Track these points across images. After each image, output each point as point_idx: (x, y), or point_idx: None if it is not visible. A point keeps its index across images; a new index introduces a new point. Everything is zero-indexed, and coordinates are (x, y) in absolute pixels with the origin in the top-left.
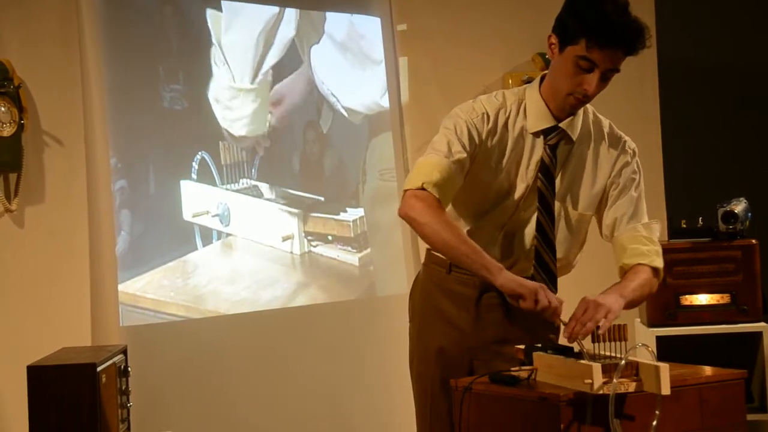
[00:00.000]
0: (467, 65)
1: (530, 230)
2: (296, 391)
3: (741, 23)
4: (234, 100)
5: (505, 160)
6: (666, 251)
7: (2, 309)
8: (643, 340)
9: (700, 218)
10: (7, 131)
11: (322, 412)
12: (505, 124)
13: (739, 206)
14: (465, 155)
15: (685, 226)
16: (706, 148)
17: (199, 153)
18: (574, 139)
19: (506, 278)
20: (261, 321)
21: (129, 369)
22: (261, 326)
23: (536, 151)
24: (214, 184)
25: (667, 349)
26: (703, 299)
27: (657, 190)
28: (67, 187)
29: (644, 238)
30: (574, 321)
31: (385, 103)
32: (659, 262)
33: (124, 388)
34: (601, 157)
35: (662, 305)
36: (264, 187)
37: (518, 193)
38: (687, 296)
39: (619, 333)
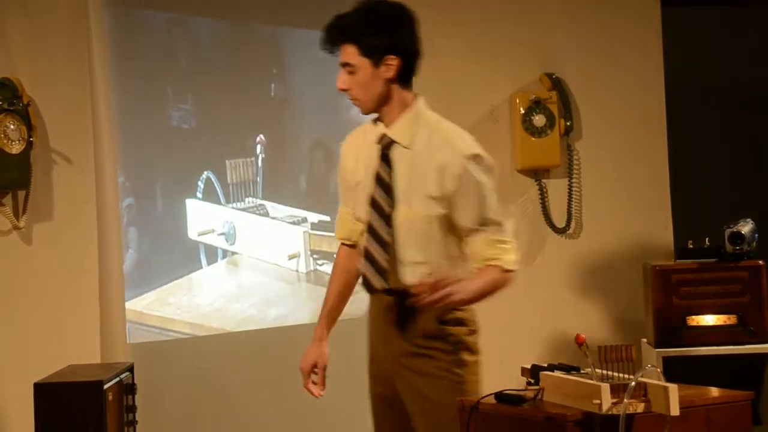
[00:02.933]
0: (475, 85)
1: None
2: (302, 409)
3: (749, 41)
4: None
5: (363, 173)
6: (672, 271)
7: (10, 326)
8: (649, 361)
9: (707, 239)
10: (16, 149)
11: (328, 430)
12: (363, 140)
13: (746, 227)
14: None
15: (691, 246)
16: (713, 168)
17: (205, 173)
18: (403, 144)
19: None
20: (267, 339)
21: (135, 386)
22: (267, 344)
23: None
24: (219, 203)
25: (673, 370)
26: (710, 320)
27: (664, 210)
28: (76, 204)
29: (493, 241)
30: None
31: None
32: (508, 261)
33: (130, 405)
34: (438, 161)
35: (669, 326)
36: (270, 205)
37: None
38: (694, 317)
39: (626, 354)
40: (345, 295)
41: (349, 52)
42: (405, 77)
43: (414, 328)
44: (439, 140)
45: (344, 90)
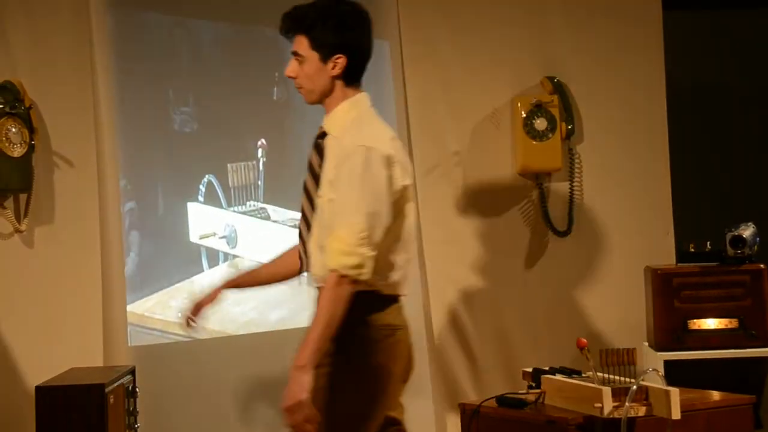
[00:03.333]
0: (476, 89)
1: None
2: None
3: (750, 45)
4: None
5: None
6: (674, 275)
7: (12, 329)
8: (650, 365)
9: (709, 242)
10: (18, 152)
11: None
12: None
13: (748, 231)
14: None
15: (693, 250)
16: (715, 172)
17: (206, 176)
18: (333, 134)
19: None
20: (268, 342)
21: (137, 389)
22: (268, 347)
23: None
24: (220, 206)
25: (674, 374)
26: (711, 324)
27: (665, 213)
28: (77, 207)
29: (329, 244)
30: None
31: (394, 125)
32: (336, 263)
33: (132, 408)
34: (329, 152)
35: (670, 329)
36: (271, 209)
37: None
38: (695, 320)
39: (627, 357)
40: (274, 273)
41: (301, 43)
42: (351, 76)
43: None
44: (351, 130)
45: (291, 77)
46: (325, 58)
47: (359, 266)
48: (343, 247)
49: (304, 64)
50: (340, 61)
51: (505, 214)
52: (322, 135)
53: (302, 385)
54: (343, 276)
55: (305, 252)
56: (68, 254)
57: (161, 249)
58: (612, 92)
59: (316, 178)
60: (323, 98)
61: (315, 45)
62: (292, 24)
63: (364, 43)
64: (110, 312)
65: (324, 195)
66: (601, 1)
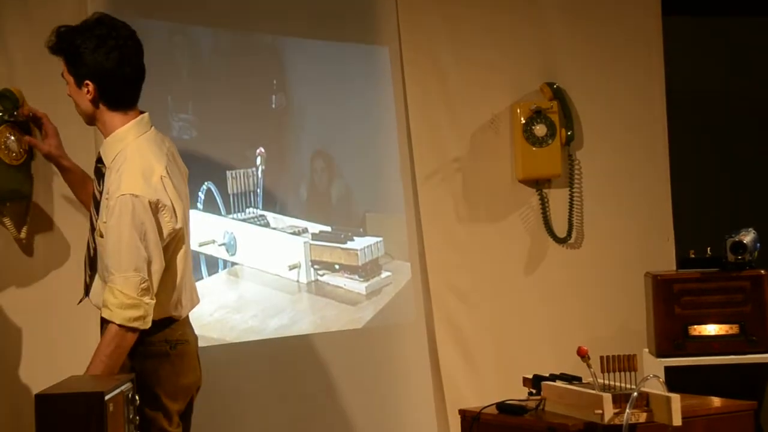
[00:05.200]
0: (475, 95)
1: None
2: (303, 420)
3: (750, 52)
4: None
5: None
6: (674, 281)
7: (11, 337)
8: (651, 371)
9: (709, 248)
10: (17, 160)
11: None
12: None
13: (748, 236)
14: None
15: (693, 255)
16: (715, 178)
17: (205, 183)
18: (106, 164)
19: None
20: (268, 349)
21: (137, 398)
22: (268, 354)
23: None
24: (219, 213)
25: (675, 380)
26: (711, 329)
27: (665, 219)
28: (77, 215)
29: (110, 288)
30: None
31: (394, 132)
32: (120, 318)
33: (131, 416)
34: (108, 190)
35: (671, 335)
36: (270, 216)
37: None
38: (696, 326)
39: (628, 363)
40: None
41: (64, 65)
42: (109, 100)
43: None
44: (119, 170)
45: (70, 96)
46: (78, 83)
47: (143, 317)
48: (125, 300)
49: (68, 86)
50: (90, 87)
51: (504, 220)
52: (100, 160)
53: None
54: (129, 329)
55: (89, 277)
56: (68, 262)
57: None
58: (612, 98)
59: (96, 205)
60: (93, 121)
61: (69, 69)
62: (55, 44)
63: (115, 67)
64: None
65: (99, 227)
66: (601, 6)
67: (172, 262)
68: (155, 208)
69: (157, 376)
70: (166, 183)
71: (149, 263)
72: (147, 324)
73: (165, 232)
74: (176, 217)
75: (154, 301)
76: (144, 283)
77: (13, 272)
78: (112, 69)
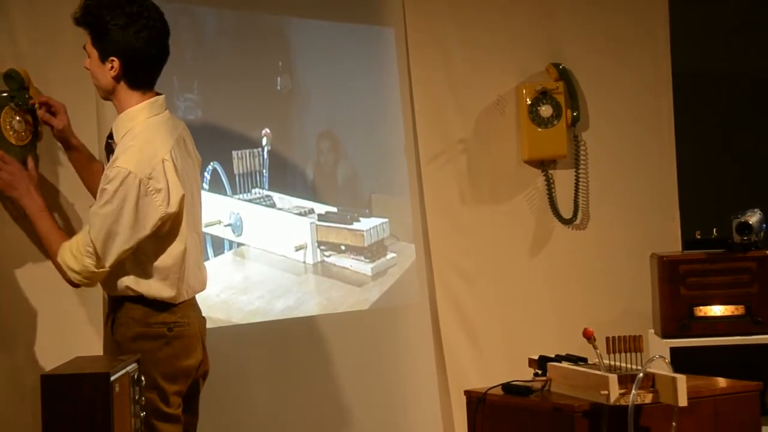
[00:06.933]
0: (480, 76)
1: None
2: (309, 401)
3: (755, 32)
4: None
5: None
6: (680, 262)
7: (17, 318)
8: (657, 352)
9: (715, 229)
10: (23, 140)
11: (334, 422)
12: None
13: (754, 217)
14: None
15: (699, 236)
16: (721, 159)
17: (211, 164)
18: (115, 140)
19: None
20: (274, 330)
21: (143, 378)
22: (274, 336)
23: None
24: (225, 194)
25: (681, 361)
26: (717, 310)
27: (671, 200)
28: (81, 197)
29: (78, 239)
30: None
31: (399, 113)
32: (61, 258)
33: (137, 397)
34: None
35: (676, 316)
36: (277, 196)
37: None
38: (701, 307)
39: (634, 344)
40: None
41: (88, 38)
42: (133, 79)
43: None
44: (125, 146)
45: (87, 69)
46: (102, 58)
47: (74, 271)
48: (73, 249)
49: (90, 59)
50: (114, 64)
51: (510, 201)
52: (111, 136)
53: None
54: (59, 267)
55: None
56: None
57: None
58: (618, 79)
59: None
60: (110, 97)
61: (94, 43)
62: (82, 16)
63: (144, 47)
64: None
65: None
66: None
67: (165, 245)
68: (144, 189)
69: (155, 357)
70: (167, 167)
71: (112, 235)
72: (78, 281)
73: (154, 216)
74: (169, 201)
75: (97, 270)
76: (89, 246)
77: (17, 253)
78: (140, 48)
